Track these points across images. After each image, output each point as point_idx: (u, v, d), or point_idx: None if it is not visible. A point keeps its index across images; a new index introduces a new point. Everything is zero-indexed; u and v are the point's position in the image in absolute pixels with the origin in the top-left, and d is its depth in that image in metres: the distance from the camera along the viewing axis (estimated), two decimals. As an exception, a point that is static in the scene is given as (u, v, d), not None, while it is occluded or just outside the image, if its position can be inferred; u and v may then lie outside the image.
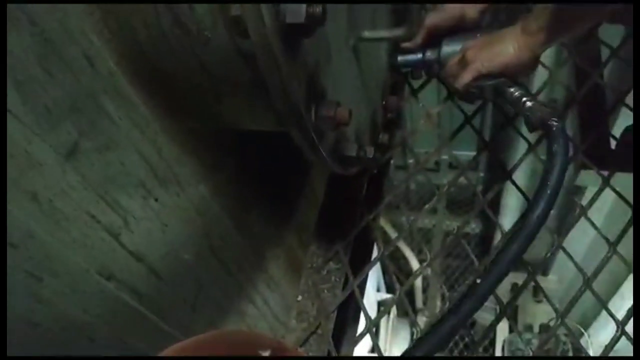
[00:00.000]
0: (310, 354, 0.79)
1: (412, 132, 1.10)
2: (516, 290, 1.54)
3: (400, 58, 0.91)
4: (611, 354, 0.70)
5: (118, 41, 0.46)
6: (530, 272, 0.79)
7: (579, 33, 0.80)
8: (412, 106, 1.74)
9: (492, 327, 0.82)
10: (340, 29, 0.63)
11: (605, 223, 1.52)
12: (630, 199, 0.80)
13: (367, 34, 0.72)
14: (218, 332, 0.65)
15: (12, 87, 0.37)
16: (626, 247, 0.77)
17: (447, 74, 0.84)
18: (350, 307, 0.86)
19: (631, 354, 0.67)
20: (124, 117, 0.47)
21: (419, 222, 2.87)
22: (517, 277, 1.84)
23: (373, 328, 0.79)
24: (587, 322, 2.11)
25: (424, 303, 2.55)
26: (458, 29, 0.84)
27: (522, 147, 1.10)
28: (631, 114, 0.92)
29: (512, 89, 0.76)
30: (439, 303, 2.50)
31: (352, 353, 0.86)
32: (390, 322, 2.29)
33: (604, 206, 1.61)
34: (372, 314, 1.84)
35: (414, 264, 2.55)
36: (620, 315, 0.72)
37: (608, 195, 0.84)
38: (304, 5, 0.40)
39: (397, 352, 1.17)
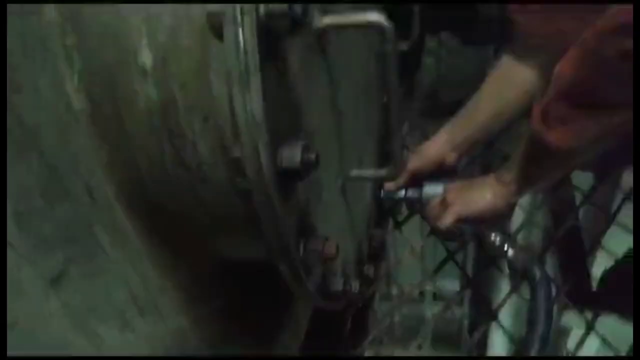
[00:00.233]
0: None
1: (396, 263, 1.11)
2: None
3: (384, 194, 0.96)
4: None
5: (120, 174, 0.48)
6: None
7: (548, 185, 0.86)
8: (396, 239, 1.77)
9: None
10: (330, 171, 0.67)
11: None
12: (615, 342, 0.79)
13: (354, 173, 0.77)
14: None
15: (12, 219, 0.37)
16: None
17: (429, 215, 0.88)
18: None
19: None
20: (117, 249, 0.48)
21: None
22: None
23: None
24: None
25: None
26: (437, 173, 0.90)
27: (505, 283, 1.11)
28: (608, 255, 0.95)
29: (492, 235, 0.79)
30: None
31: None
32: None
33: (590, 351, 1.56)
34: None
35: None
36: None
37: (594, 339, 0.83)
38: (299, 153, 0.44)
39: None
